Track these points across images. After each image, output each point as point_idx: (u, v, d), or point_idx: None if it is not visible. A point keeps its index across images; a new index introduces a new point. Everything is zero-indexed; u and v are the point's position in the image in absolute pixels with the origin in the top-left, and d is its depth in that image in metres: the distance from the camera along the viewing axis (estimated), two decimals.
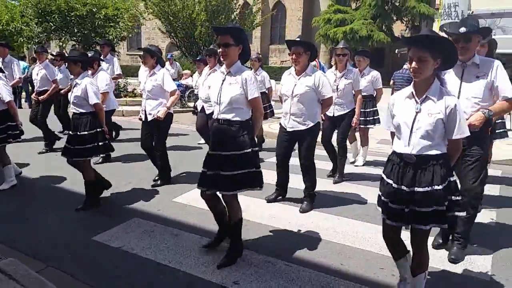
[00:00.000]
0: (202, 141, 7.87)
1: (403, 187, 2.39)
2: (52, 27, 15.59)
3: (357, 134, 6.48)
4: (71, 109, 4.41)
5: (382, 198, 2.53)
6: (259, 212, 4.34)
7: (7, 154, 5.07)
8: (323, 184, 5.25)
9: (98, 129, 4.35)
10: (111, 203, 4.63)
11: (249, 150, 3.10)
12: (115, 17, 15.77)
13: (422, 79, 2.37)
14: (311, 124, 4.31)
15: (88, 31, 15.34)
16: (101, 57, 7.30)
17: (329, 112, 5.25)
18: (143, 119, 5.18)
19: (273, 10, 30.51)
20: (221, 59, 3.20)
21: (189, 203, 4.58)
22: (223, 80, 3.19)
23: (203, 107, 6.37)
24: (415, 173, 2.37)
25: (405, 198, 2.38)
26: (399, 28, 28.37)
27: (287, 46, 4.35)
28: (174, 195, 4.82)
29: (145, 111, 5.12)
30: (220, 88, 3.19)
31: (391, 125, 2.59)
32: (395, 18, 27.73)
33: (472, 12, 19.58)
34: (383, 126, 2.88)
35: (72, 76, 4.85)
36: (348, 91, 5.33)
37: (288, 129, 4.40)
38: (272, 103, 7.75)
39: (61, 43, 16.24)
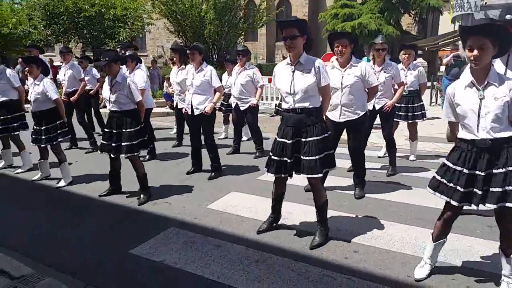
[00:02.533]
0: (222, 135, 8.19)
1: (477, 172, 2.50)
2: (61, 29, 15.34)
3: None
4: (111, 108, 4.46)
5: (447, 183, 2.62)
6: (305, 220, 4.07)
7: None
8: (366, 187, 4.92)
9: (142, 125, 4.51)
10: (141, 210, 4.38)
11: (327, 134, 3.32)
12: (124, 17, 15.48)
13: (481, 67, 2.46)
14: (362, 113, 4.45)
15: (97, 33, 15.07)
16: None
17: (370, 105, 5.19)
18: (189, 113, 5.39)
19: (279, 7, 30.07)
20: (288, 51, 3.26)
21: (225, 210, 4.33)
22: (293, 72, 3.29)
23: (237, 104, 6.65)
24: (490, 157, 2.48)
25: (478, 181, 2.49)
26: (406, 22, 28.01)
27: (329, 38, 4.39)
28: (208, 201, 4.56)
29: (192, 105, 5.32)
30: (292, 79, 3.27)
31: (451, 116, 2.71)
32: (402, 11, 27.31)
33: (486, 3, 19.14)
34: (443, 117, 2.91)
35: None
36: (388, 84, 5.31)
37: (340, 120, 4.48)
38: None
39: (70, 46, 15.98)
